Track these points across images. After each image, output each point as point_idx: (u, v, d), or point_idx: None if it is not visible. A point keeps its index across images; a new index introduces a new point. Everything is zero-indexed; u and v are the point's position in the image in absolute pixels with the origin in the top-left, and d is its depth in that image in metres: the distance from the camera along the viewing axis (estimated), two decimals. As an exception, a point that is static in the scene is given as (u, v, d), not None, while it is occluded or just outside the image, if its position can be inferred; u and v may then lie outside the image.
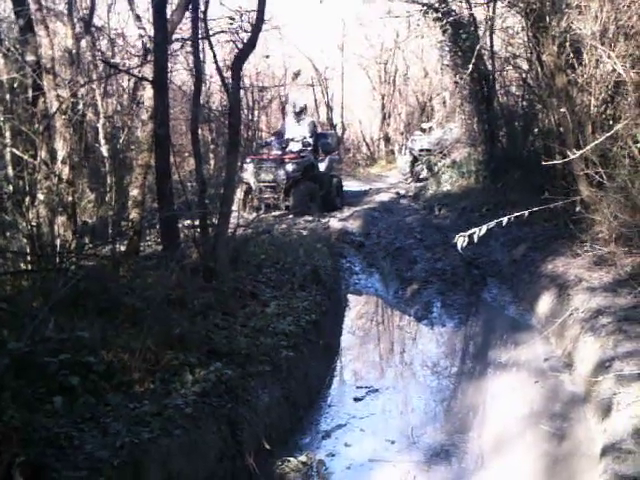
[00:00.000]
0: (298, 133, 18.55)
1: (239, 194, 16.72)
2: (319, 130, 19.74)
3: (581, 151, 6.83)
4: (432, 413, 7.36)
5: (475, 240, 4.83)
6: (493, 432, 6.68)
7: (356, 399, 7.59)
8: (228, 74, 9.90)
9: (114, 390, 5.39)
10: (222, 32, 9.99)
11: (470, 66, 14.78)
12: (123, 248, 8.78)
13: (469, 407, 7.45)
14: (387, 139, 31.78)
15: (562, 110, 11.18)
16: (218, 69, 9.63)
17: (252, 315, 7.82)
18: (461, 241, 4.78)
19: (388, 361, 9.37)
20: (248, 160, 17.46)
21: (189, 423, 5.26)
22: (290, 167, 17.47)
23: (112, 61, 11.85)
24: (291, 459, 5.92)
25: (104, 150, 10.43)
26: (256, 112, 26.46)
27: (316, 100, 30.28)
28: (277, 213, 17.07)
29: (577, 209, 7.03)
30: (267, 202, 17.41)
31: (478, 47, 14.78)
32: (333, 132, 22.81)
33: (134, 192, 9.25)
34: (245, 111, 24.20)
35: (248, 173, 17.32)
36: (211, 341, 6.67)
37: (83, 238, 8.43)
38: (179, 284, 7.27)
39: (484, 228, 4.79)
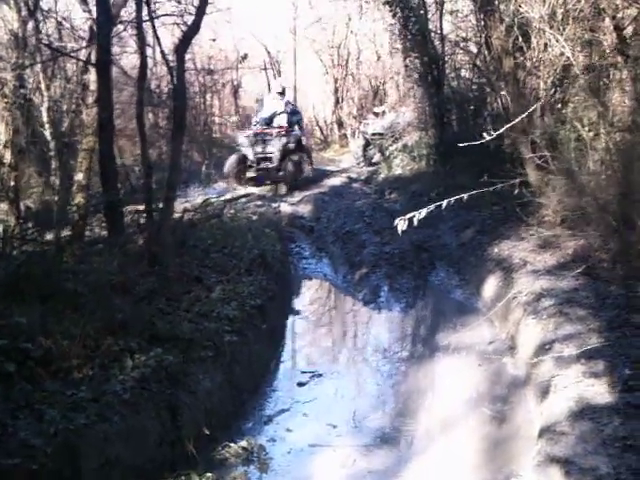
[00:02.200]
0: (273, 107, 19.99)
1: (232, 167, 18.61)
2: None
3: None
4: (376, 397, 7.39)
5: (415, 223, 4.84)
6: (435, 416, 6.74)
7: (300, 384, 7.64)
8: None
9: (52, 377, 5.35)
10: (166, 15, 9.89)
11: (419, 50, 14.80)
12: (68, 233, 8.67)
13: (413, 391, 7.49)
14: (340, 123, 31.69)
15: (506, 93, 11.23)
16: (162, 52, 9.53)
17: (196, 300, 7.78)
18: (401, 224, 4.79)
19: (334, 346, 9.41)
20: (245, 134, 19.34)
21: (127, 409, 5.25)
22: (284, 139, 19.01)
23: (58, 44, 11.66)
24: (231, 444, 5.93)
25: (48, 134, 10.28)
26: (208, 96, 26.27)
27: (269, 84, 30.10)
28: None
29: (515, 192, 7.05)
30: (262, 173, 18.94)
31: (427, 30, 14.84)
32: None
33: (79, 176, 9.12)
34: (197, 95, 24.06)
35: (244, 146, 18.94)
36: (154, 326, 6.62)
37: (26, 223, 8.30)
38: (122, 269, 7.20)
39: (424, 211, 4.82)
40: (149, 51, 10.04)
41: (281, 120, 19.74)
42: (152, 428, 5.41)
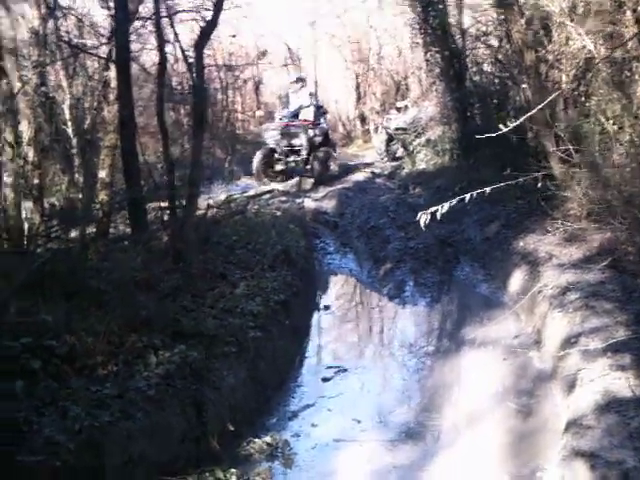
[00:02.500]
0: (299, 101, 19.99)
1: (260, 161, 18.59)
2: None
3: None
4: (401, 392, 7.37)
5: (438, 217, 4.81)
6: (461, 411, 6.70)
7: (325, 379, 7.63)
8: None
9: (77, 373, 5.36)
10: (184, 11, 9.89)
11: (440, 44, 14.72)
12: (92, 230, 8.71)
13: (438, 385, 7.47)
14: (363, 118, 31.54)
15: (528, 86, 11.16)
16: (181, 48, 9.53)
17: (221, 296, 7.78)
18: (424, 218, 4.76)
19: (359, 341, 9.38)
20: (272, 127, 19.36)
21: (151, 405, 5.26)
22: (312, 132, 19.08)
23: (78, 42, 11.69)
24: (256, 440, 5.93)
25: (70, 132, 10.32)
26: (230, 93, 26.26)
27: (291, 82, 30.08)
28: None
29: (539, 185, 7.00)
30: (290, 167, 19.04)
31: (447, 25, 14.76)
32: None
33: (102, 174, 9.15)
34: (218, 92, 24.06)
35: (272, 138, 18.96)
36: (178, 323, 6.62)
37: (51, 221, 8.34)
38: (146, 266, 7.21)
39: (446, 205, 4.78)
40: (169, 48, 10.00)
41: (307, 114, 19.67)
42: (176, 424, 5.42)
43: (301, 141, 18.91)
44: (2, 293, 5.56)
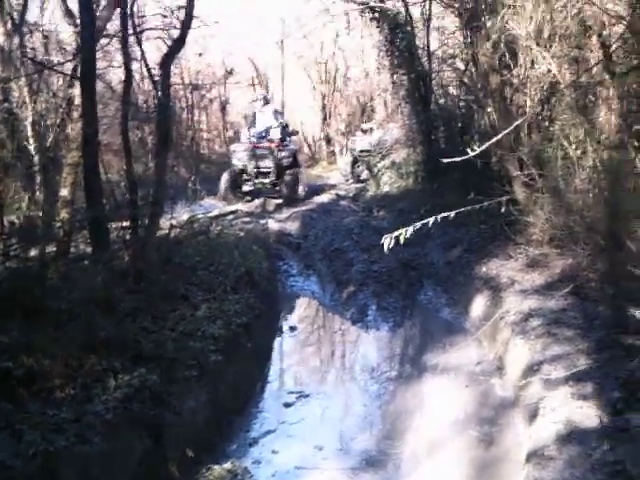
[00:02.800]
0: (266, 121, 20.00)
1: (227, 181, 18.82)
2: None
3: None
4: (363, 418, 7.30)
5: (402, 241, 4.80)
6: (423, 438, 6.66)
7: (287, 405, 7.53)
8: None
9: (34, 396, 5.25)
10: (151, 29, 9.83)
11: (406, 66, 14.78)
12: (53, 249, 8.57)
13: (400, 412, 7.39)
14: (328, 140, 31.66)
15: (493, 110, 11.21)
16: (147, 66, 9.44)
17: (182, 318, 7.68)
18: (387, 242, 4.74)
19: (322, 365, 9.32)
20: (242, 147, 19.37)
21: (109, 430, 5.14)
22: (280, 154, 19.28)
23: (44, 58, 11.59)
24: (215, 467, 5.82)
25: (32, 149, 10.18)
26: (196, 112, 26.21)
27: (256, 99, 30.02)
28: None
29: (503, 209, 7.01)
30: (258, 188, 19.12)
31: (414, 47, 14.82)
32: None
33: (64, 192, 9.02)
34: (184, 111, 24.02)
35: (240, 160, 19.11)
36: (138, 345, 6.52)
37: (10, 239, 8.18)
38: (106, 286, 7.10)
39: (410, 229, 4.77)
40: (135, 65, 9.93)
41: (275, 134, 19.70)
42: (134, 450, 5.31)
43: (270, 163, 19.01)
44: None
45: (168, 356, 6.54)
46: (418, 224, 4.86)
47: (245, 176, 19.16)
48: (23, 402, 5.12)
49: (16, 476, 4.27)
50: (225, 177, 19.03)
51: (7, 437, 4.63)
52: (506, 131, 6.47)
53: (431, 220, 4.99)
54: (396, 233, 4.71)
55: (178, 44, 8.95)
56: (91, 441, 4.92)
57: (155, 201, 8.58)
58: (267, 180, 19.08)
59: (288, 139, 20.04)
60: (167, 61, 8.84)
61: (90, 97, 8.13)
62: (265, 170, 19.06)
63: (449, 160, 5.10)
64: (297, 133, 22.42)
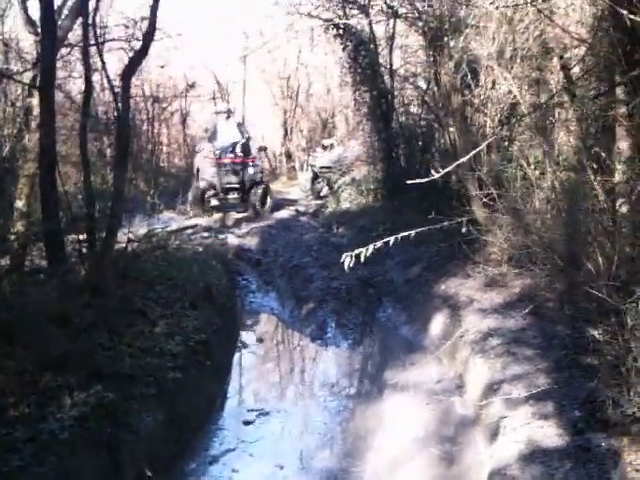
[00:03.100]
0: (230, 134, 19.99)
1: (197, 196, 18.86)
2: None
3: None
4: (323, 436, 7.23)
5: (362, 260, 4.76)
6: (384, 456, 6.61)
7: (246, 422, 7.44)
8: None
9: (-14, 415, 5.11)
10: (112, 40, 9.72)
11: (368, 84, 14.82)
12: (7, 262, 8.41)
13: (361, 430, 7.35)
14: (289, 155, 31.59)
15: (454, 130, 11.26)
16: (107, 77, 9.32)
17: (139, 334, 7.54)
18: (348, 261, 4.70)
19: (281, 382, 9.24)
20: (212, 162, 19.11)
21: (64, 449, 5.02)
22: (252, 170, 19.31)
23: (3, 67, 11.38)
24: (174, 487, 5.73)
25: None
26: (156, 124, 25.99)
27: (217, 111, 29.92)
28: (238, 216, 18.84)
29: (463, 230, 7.01)
30: (227, 202, 19.23)
31: (377, 65, 14.86)
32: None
33: (19, 203, 8.86)
34: (144, 123, 23.82)
35: (209, 174, 19.01)
36: (94, 361, 6.37)
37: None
38: (61, 301, 6.95)
39: (370, 248, 4.73)
40: (96, 76, 9.80)
41: (243, 148, 19.74)
42: (90, 469, 5.18)
43: (239, 178, 19.09)
44: None
45: (125, 373, 6.41)
46: (379, 243, 4.83)
47: (213, 191, 19.18)
48: (-25, 420, 4.98)
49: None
50: (194, 191, 19.06)
51: (-43, 456, 4.49)
52: (470, 155, 6.45)
53: (391, 239, 4.96)
54: (356, 251, 4.67)
55: (140, 55, 8.86)
56: (46, 461, 4.79)
57: (113, 214, 8.45)
58: (236, 195, 19.22)
59: (257, 154, 20.23)
60: (128, 73, 8.74)
61: (49, 107, 8.00)
62: (234, 186, 19.15)
63: (413, 182, 5.07)
64: (266, 149, 22.93)
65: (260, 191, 19.26)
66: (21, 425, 5.07)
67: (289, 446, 6.96)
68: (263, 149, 21.45)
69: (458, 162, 5.80)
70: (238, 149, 19.59)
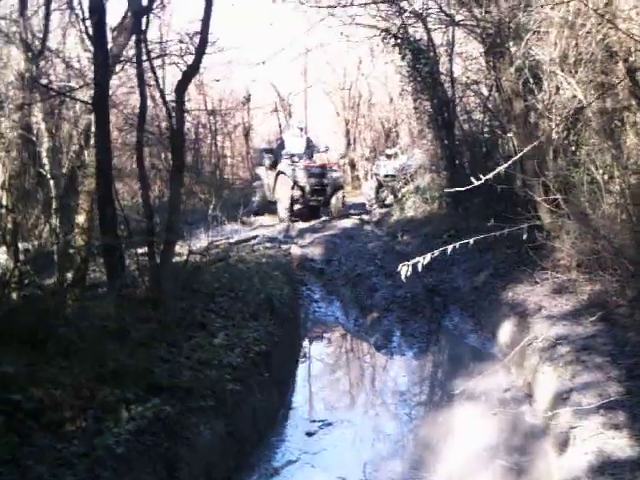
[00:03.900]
0: (298, 145, 21.12)
1: (286, 201, 19.59)
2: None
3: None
4: (388, 447, 7.09)
5: (419, 269, 4.65)
6: (450, 468, 6.40)
7: (309, 434, 7.30)
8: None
9: (43, 429, 5.06)
10: (165, 55, 9.76)
11: (429, 92, 14.70)
12: (69, 277, 8.47)
13: (426, 441, 7.16)
14: (352, 165, 31.56)
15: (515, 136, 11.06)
16: (161, 91, 9.38)
17: (198, 347, 7.48)
18: (405, 270, 4.58)
19: (345, 393, 9.15)
20: (300, 166, 20.12)
21: (120, 464, 4.94)
22: (335, 174, 20.87)
23: (65, 84, 11.54)
24: (234, 500, 5.62)
25: (49, 176, 10.10)
26: (219, 138, 26.23)
27: (280, 125, 30.05)
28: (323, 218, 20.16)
29: (524, 236, 6.79)
30: (313, 205, 20.47)
31: (436, 73, 14.72)
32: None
33: (79, 219, 8.92)
34: (207, 137, 24.05)
35: (300, 178, 19.93)
36: (152, 375, 6.32)
37: (26, 266, 8.08)
38: (119, 315, 6.94)
39: (428, 257, 4.62)
40: (150, 91, 9.87)
41: (318, 157, 21.30)
42: (146, 484, 5.11)
43: (327, 181, 20.13)
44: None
45: (183, 386, 6.34)
46: (436, 252, 4.72)
47: (298, 195, 20.02)
48: (31, 435, 4.93)
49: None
50: (286, 195, 19.75)
51: (12, 472, 4.44)
52: (523, 151, 6.29)
53: (449, 248, 4.84)
54: (414, 261, 4.56)
55: (192, 70, 8.88)
56: (101, 476, 4.72)
57: (170, 227, 8.44)
58: (321, 198, 20.25)
59: (337, 161, 21.96)
60: (181, 87, 8.76)
61: (103, 123, 8.05)
62: (320, 188, 20.12)
63: (471, 186, 4.96)
64: (344, 156, 24.89)
65: (341, 195, 20.63)
66: (77, 440, 5.01)
67: (353, 457, 6.79)
68: (342, 156, 22.04)
69: (513, 159, 5.61)
70: (315, 156, 21.08)
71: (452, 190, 5.03)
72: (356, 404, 8.72)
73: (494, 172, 4.87)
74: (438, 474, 6.32)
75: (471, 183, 5.04)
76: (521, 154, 5.45)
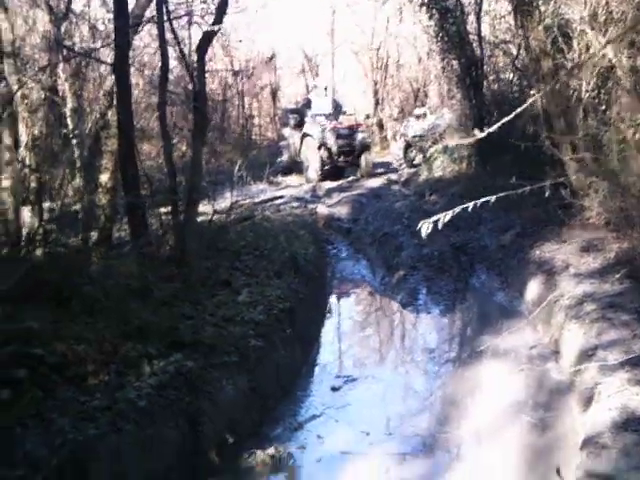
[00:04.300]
0: (325, 106, 21.47)
1: (314, 162, 19.80)
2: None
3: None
4: (412, 403, 7.10)
5: (439, 227, 4.57)
6: (474, 423, 6.41)
7: (333, 388, 7.33)
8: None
9: (66, 383, 5.12)
10: (185, 15, 9.71)
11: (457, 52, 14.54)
12: (95, 235, 8.53)
13: (451, 397, 7.15)
14: (381, 125, 31.33)
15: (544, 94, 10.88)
16: (181, 51, 9.34)
17: (222, 304, 7.52)
18: (425, 227, 4.52)
19: (371, 350, 9.13)
20: (327, 127, 20.26)
21: (142, 417, 4.99)
22: (362, 135, 20.84)
23: (88, 47, 11.52)
24: (258, 452, 5.65)
25: (73, 136, 10.12)
26: (247, 99, 26.17)
27: (307, 86, 29.87)
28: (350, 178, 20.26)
29: (547, 194, 6.69)
30: (342, 165, 20.60)
31: (464, 32, 14.54)
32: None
33: (104, 178, 8.95)
34: (234, 98, 23.99)
35: (329, 139, 20.10)
36: (175, 331, 6.37)
37: (51, 225, 8.12)
38: (142, 273, 6.97)
39: (449, 214, 4.54)
40: (171, 51, 9.84)
41: (345, 118, 21.22)
42: (169, 438, 5.15)
43: (355, 142, 20.28)
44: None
45: (206, 342, 6.38)
46: (457, 208, 4.63)
47: (327, 155, 20.09)
48: (55, 389, 4.99)
49: (42, 466, 4.13)
50: (316, 158, 19.88)
51: (37, 425, 4.50)
52: (526, 104, 6.12)
53: (470, 205, 4.76)
54: (434, 218, 4.49)
55: (213, 30, 8.81)
56: (122, 429, 4.76)
57: (193, 187, 8.43)
58: (349, 159, 20.39)
59: (364, 122, 22.06)
60: (202, 47, 8.72)
61: (124, 84, 8.04)
62: (350, 149, 20.27)
63: (469, 140, 4.87)
64: (369, 117, 24.80)
65: (369, 155, 20.79)
66: (99, 393, 5.07)
67: (376, 412, 6.78)
68: (367, 117, 22.05)
69: (513, 115, 5.50)
70: (347, 118, 21.08)
71: (465, 142, 4.89)
72: (381, 360, 8.74)
73: (498, 124, 4.74)
74: (463, 429, 6.31)
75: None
76: (526, 105, 5.29)
